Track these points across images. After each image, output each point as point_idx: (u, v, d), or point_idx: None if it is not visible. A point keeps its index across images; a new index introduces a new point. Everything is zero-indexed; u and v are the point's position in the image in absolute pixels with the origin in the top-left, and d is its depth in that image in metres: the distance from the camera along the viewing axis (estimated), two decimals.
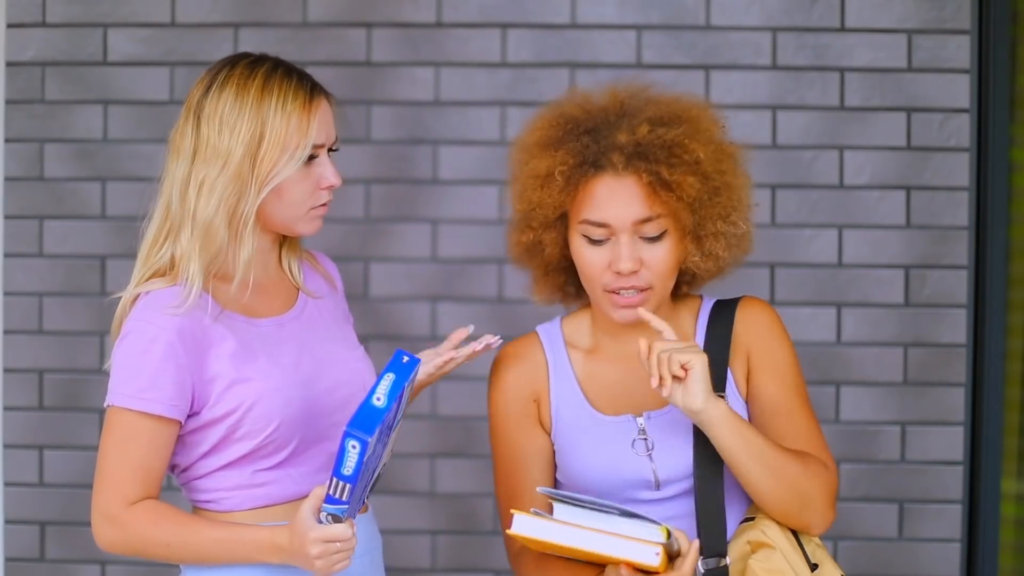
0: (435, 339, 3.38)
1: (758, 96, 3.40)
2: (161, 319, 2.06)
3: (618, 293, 2.13)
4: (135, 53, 3.43)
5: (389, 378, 1.98)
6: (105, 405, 2.09)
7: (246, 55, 2.17)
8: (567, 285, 2.26)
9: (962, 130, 3.38)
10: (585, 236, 2.13)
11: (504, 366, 2.25)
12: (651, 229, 2.11)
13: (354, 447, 1.92)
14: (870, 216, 3.40)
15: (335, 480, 1.95)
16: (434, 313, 3.41)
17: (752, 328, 2.23)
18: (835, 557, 3.40)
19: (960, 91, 3.37)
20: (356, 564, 2.17)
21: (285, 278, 2.24)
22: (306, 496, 2.02)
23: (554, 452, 2.23)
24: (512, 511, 2.03)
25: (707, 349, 2.18)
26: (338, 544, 1.97)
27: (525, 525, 2.00)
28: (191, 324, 2.07)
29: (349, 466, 1.94)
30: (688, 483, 2.16)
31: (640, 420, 2.18)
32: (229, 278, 2.14)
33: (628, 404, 2.20)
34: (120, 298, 2.15)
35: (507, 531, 2.05)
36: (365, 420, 1.94)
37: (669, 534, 2.01)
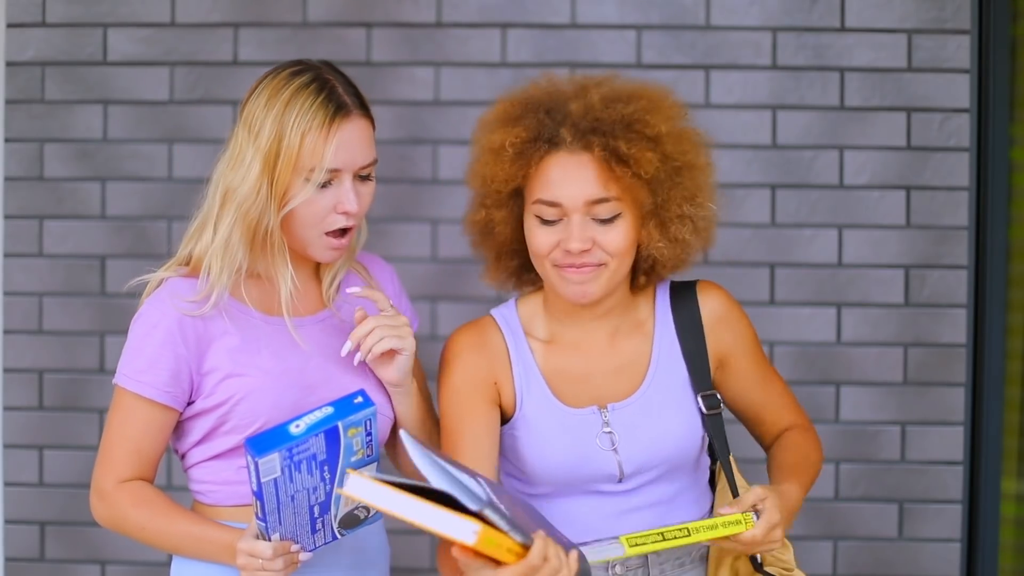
0: (435, 339, 3.38)
1: (758, 96, 3.40)
2: (166, 307, 2.09)
3: (569, 268, 2.08)
4: (135, 53, 3.42)
5: (325, 411, 1.92)
6: (112, 382, 2.14)
7: (299, 63, 2.14)
8: (522, 271, 2.22)
9: (962, 130, 3.38)
10: (538, 217, 2.09)
11: (460, 347, 2.20)
12: (604, 211, 2.06)
13: (251, 461, 1.89)
14: (870, 216, 3.40)
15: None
16: (434, 313, 3.41)
17: (720, 320, 2.22)
18: (835, 557, 3.40)
19: (960, 91, 3.37)
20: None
21: (319, 283, 2.23)
22: None
23: (500, 436, 2.19)
24: (348, 471, 1.89)
25: (683, 345, 2.18)
26: (259, 561, 1.98)
27: (356, 486, 1.82)
28: (194, 314, 2.08)
29: (252, 481, 1.91)
30: (652, 473, 2.15)
31: (605, 413, 2.16)
32: (255, 274, 2.14)
33: (592, 395, 2.17)
34: (145, 279, 2.17)
35: (340, 490, 1.91)
36: (264, 440, 1.89)
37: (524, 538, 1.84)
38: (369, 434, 1.96)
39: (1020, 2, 3.41)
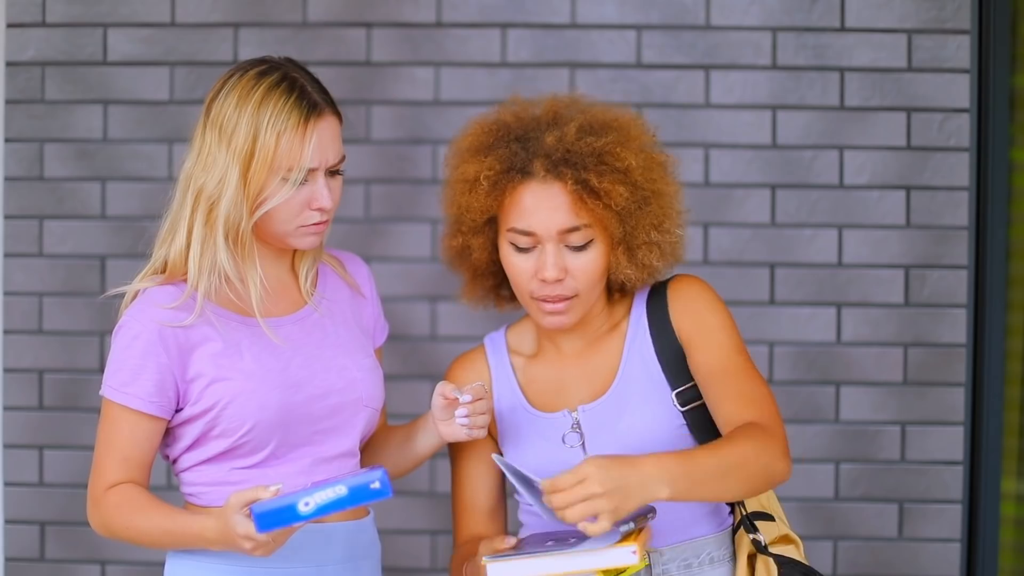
0: (435, 339, 3.39)
1: (758, 96, 3.40)
2: (145, 318, 2.10)
3: (545, 300, 2.14)
4: (135, 53, 3.42)
5: (338, 491, 1.88)
6: (99, 393, 2.14)
7: (263, 61, 2.15)
8: (499, 289, 2.26)
9: (962, 130, 3.38)
10: (512, 244, 2.14)
11: (450, 376, 2.29)
12: (577, 238, 2.11)
13: (256, 525, 1.90)
14: (870, 216, 3.40)
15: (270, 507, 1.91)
16: (434, 313, 3.41)
17: (680, 307, 2.20)
18: (835, 557, 3.40)
19: (960, 91, 3.37)
20: (354, 568, 2.18)
21: (295, 281, 2.24)
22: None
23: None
24: (484, 561, 1.96)
25: (655, 343, 2.18)
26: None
27: (502, 572, 1.93)
28: (175, 324, 2.09)
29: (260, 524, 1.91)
30: None
31: (574, 414, 2.19)
32: (236, 277, 2.14)
33: (565, 400, 2.21)
34: (121, 290, 2.18)
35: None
36: (272, 516, 1.88)
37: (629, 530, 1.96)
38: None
39: (1020, 2, 3.41)
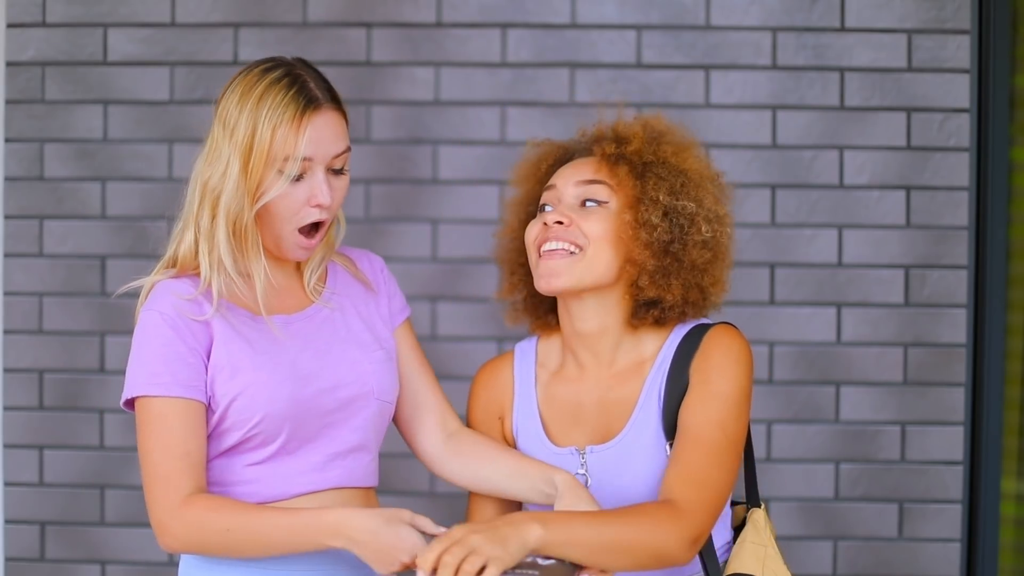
0: (435, 339, 3.38)
1: (758, 96, 3.40)
2: (163, 307, 2.09)
3: (547, 240, 2.18)
4: (135, 53, 3.43)
5: None
6: (123, 401, 2.11)
7: (272, 60, 2.17)
8: (548, 312, 2.30)
9: (962, 130, 3.38)
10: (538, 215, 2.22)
11: (475, 384, 2.33)
12: (591, 192, 2.18)
13: None
14: (870, 216, 3.40)
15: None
16: (434, 313, 3.41)
17: (703, 355, 2.14)
18: (835, 557, 3.40)
19: (960, 91, 3.38)
20: (355, 564, 2.18)
21: (301, 282, 2.24)
22: (295, 496, 2.10)
23: None
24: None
25: (667, 389, 2.14)
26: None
27: None
28: (194, 317, 2.09)
29: None
30: None
31: (583, 454, 2.19)
32: (241, 273, 2.15)
33: (576, 434, 2.21)
34: (136, 285, 2.18)
35: None
36: None
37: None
38: None
39: (1020, 2, 3.41)
